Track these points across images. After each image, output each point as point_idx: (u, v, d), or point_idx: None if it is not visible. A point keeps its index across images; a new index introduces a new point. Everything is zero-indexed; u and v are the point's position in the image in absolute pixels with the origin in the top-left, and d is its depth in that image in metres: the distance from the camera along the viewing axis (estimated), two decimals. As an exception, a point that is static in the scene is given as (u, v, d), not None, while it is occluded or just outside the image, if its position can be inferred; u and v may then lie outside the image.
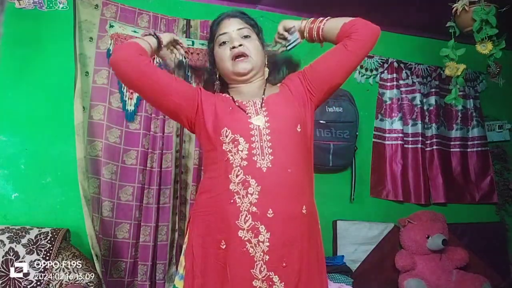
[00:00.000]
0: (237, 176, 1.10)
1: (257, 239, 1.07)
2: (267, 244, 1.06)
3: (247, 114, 1.18)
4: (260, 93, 1.28)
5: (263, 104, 1.21)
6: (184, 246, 1.23)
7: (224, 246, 1.09)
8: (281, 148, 1.12)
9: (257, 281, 1.05)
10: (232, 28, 1.27)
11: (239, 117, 1.18)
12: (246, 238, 1.07)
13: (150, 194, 2.40)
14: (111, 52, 2.41)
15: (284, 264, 1.07)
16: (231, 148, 1.12)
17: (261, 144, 1.11)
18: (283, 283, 1.06)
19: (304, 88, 1.27)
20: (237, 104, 1.23)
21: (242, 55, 1.23)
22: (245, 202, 1.08)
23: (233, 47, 1.23)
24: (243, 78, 1.27)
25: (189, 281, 1.15)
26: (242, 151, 1.11)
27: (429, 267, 2.71)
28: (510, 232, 3.27)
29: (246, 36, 1.27)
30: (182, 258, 1.24)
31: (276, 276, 1.06)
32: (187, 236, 1.23)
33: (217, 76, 1.34)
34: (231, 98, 1.26)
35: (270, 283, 1.06)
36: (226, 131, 1.14)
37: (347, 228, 2.77)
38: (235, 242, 1.08)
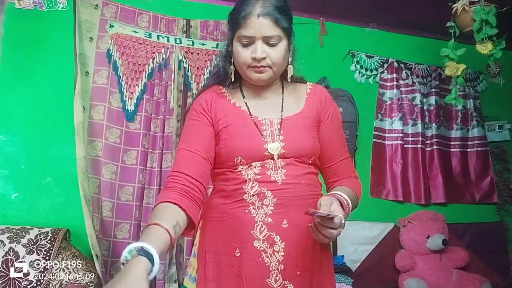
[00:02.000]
0: (251, 187, 1.09)
1: (272, 249, 1.07)
2: (282, 253, 1.07)
3: (263, 139, 1.11)
4: (277, 102, 1.19)
5: (281, 128, 1.13)
6: (195, 249, 1.23)
7: (239, 254, 1.09)
8: (294, 165, 1.12)
9: None
10: (260, 33, 1.07)
11: (255, 144, 1.11)
12: (261, 248, 1.07)
13: (150, 194, 2.40)
14: (111, 52, 2.41)
15: (298, 272, 1.08)
16: (245, 168, 1.11)
17: (275, 164, 1.11)
18: None
19: (318, 124, 1.21)
20: (253, 119, 1.14)
21: (262, 69, 1.11)
22: (260, 213, 1.08)
23: (255, 58, 1.09)
24: (257, 85, 1.18)
25: (201, 285, 1.15)
26: (255, 167, 1.10)
27: (429, 267, 2.71)
28: (510, 232, 3.27)
29: (273, 45, 1.09)
30: (193, 260, 1.24)
31: (291, 285, 1.07)
32: (197, 239, 1.23)
33: (233, 64, 1.18)
34: (246, 110, 1.16)
35: None
36: (241, 160, 1.11)
37: (347, 228, 2.71)
38: (250, 252, 1.08)
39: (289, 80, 1.20)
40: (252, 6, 1.08)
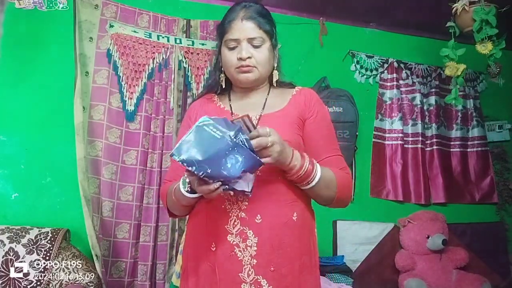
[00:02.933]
0: None
1: (245, 243, 1.09)
2: (255, 248, 1.08)
3: None
4: (260, 102, 1.23)
5: (258, 123, 1.16)
6: (181, 246, 1.25)
7: (214, 248, 1.11)
8: None
9: (245, 284, 1.08)
10: (244, 35, 1.17)
11: None
12: (234, 243, 1.09)
13: (150, 194, 2.40)
14: (111, 52, 2.41)
15: (272, 268, 1.09)
16: None
17: None
18: (271, 286, 1.08)
19: (302, 122, 1.22)
20: (233, 117, 1.18)
21: (248, 68, 1.18)
22: (235, 208, 1.10)
23: (240, 58, 1.16)
24: (245, 87, 1.25)
25: (185, 280, 1.19)
26: None
27: (429, 267, 2.71)
28: (510, 232, 3.27)
29: (257, 46, 1.18)
30: (179, 257, 1.26)
31: (265, 280, 1.08)
32: (184, 236, 1.25)
33: (223, 72, 1.26)
34: (229, 110, 1.23)
35: (259, 286, 1.08)
36: None
37: (347, 228, 2.77)
38: (224, 246, 1.10)
39: (275, 84, 1.25)
40: (236, 12, 1.19)
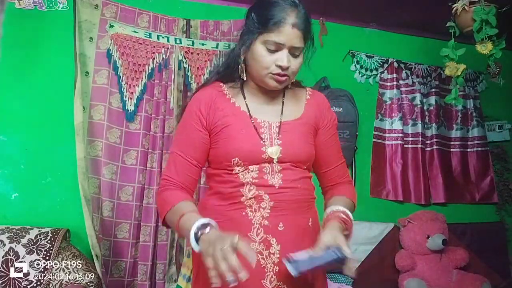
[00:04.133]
0: (249, 190, 1.10)
1: (268, 251, 1.09)
2: (278, 256, 1.09)
3: (262, 142, 1.12)
4: (278, 106, 1.19)
5: (280, 132, 1.14)
6: (189, 249, 1.24)
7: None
8: (290, 169, 1.14)
9: None
10: (290, 43, 1.08)
11: (253, 146, 1.11)
12: (257, 250, 1.09)
13: (150, 194, 2.40)
14: (111, 52, 2.41)
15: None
16: (242, 171, 1.11)
17: (272, 168, 1.12)
18: None
19: (316, 131, 1.22)
20: (252, 121, 1.14)
21: (284, 78, 1.12)
22: (257, 216, 1.10)
23: (280, 66, 1.09)
24: (267, 88, 1.17)
25: (199, 285, 1.16)
26: (252, 171, 1.11)
27: (429, 267, 2.71)
28: (510, 232, 3.27)
29: (296, 56, 1.11)
30: (187, 260, 1.25)
31: (285, 286, 1.09)
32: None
33: (243, 62, 1.17)
34: (246, 111, 1.16)
35: None
36: (238, 161, 1.11)
37: (347, 228, 2.77)
38: None
39: (289, 85, 1.21)
40: (286, 13, 1.07)
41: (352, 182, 1.28)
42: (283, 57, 1.08)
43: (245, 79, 1.18)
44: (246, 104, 1.18)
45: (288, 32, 1.07)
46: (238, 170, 1.12)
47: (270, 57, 1.09)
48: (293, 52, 1.10)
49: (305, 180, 1.17)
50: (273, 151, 1.12)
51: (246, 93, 1.20)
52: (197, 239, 0.94)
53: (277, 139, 1.13)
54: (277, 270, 1.08)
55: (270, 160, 1.11)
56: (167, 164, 1.19)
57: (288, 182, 1.12)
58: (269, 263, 1.09)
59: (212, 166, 1.18)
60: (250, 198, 1.10)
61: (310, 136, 1.19)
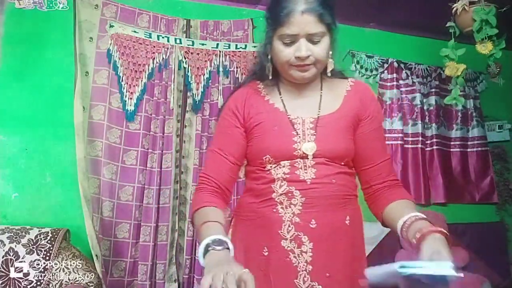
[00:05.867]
0: (280, 186, 1.08)
1: (300, 249, 1.05)
2: (310, 254, 1.05)
3: (295, 138, 1.09)
4: (315, 100, 1.14)
5: (315, 128, 1.09)
6: None
7: (267, 253, 1.07)
8: (325, 164, 1.08)
9: None
10: (304, 31, 1.02)
11: (284, 143, 1.08)
12: (289, 248, 1.05)
13: (150, 194, 2.40)
14: (111, 52, 2.41)
15: (327, 274, 1.04)
16: (274, 167, 1.09)
17: (305, 163, 1.08)
18: None
19: (357, 124, 1.14)
20: (286, 118, 1.11)
21: (306, 67, 1.06)
22: (288, 213, 1.06)
23: (299, 57, 1.04)
24: (298, 82, 1.13)
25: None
26: (284, 167, 1.08)
27: (429, 267, 2.71)
28: (510, 232, 3.27)
29: (317, 42, 1.04)
30: None
31: (320, 286, 1.04)
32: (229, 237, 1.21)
33: (270, 61, 1.13)
34: (280, 108, 1.13)
35: None
36: (269, 159, 1.09)
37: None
38: (278, 251, 1.06)
39: (329, 75, 1.14)
40: (294, 2, 1.03)
41: (401, 184, 1.13)
42: (300, 47, 1.03)
43: (270, 77, 1.15)
44: (282, 100, 1.15)
45: (298, 20, 1.02)
46: (271, 167, 1.09)
47: (288, 50, 1.05)
48: (311, 39, 1.03)
49: (343, 175, 1.10)
50: (308, 147, 1.07)
51: (281, 89, 1.17)
52: (205, 253, 0.89)
53: (312, 135, 1.09)
54: (310, 270, 1.04)
55: (304, 157, 1.07)
56: (205, 162, 1.17)
57: (321, 177, 1.06)
58: (301, 262, 1.04)
59: (248, 163, 1.17)
60: (281, 194, 1.07)
61: (348, 131, 1.11)
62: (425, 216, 0.96)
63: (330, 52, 1.11)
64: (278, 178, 1.08)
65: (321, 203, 1.06)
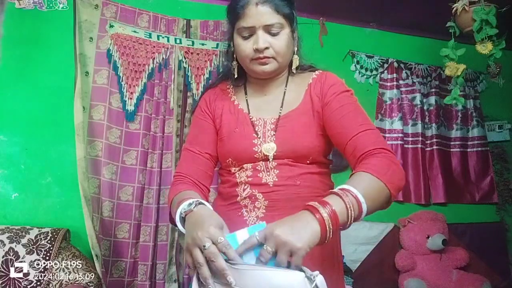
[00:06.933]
0: (244, 190, 1.08)
1: None
2: None
3: (255, 140, 1.07)
4: (278, 98, 1.12)
5: (276, 128, 1.07)
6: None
7: None
8: (288, 165, 1.06)
9: None
10: (259, 22, 1.01)
11: (244, 146, 1.07)
12: None
13: (150, 194, 2.40)
14: (111, 52, 2.41)
15: None
16: (237, 170, 1.09)
17: (267, 166, 1.07)
18: None
19: (320, 116, 1.08)
20: (250, 119, 1.10)
21: (265, 60, 1.05)
22: (252, 216, 1.06)
23: (257, 49, 1.03)
24: (262, 78, 1.12)
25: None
26: (247, 170, 1.08)
27: (429, 267, 2.71)
28: (510, 232, 3.27)
29: (275, 34, 1.03)
30: None
31: None
32: None
33: (236, 60, 1.12)
34: (243, 109, 1.12)
35: None
36: (231, 162, 1.09)
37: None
38: None
39: (294, 71, 1.13)
40: None
41: (388, 151, 0.95)
42: (256, 39, 1.03)
43: (235, 76, 1.14)
44: (246, 101, 1.14)
45: (253, 12, 1.02)
46: (235, 170, 1.10)
47: (247, 43, 1.05)
48: (269, 30, 1.03)
49: (309, 176, 1.07)
50: (268, 148, 1.06)
51: (248, 89, 1.17)
52: (184, 222, 0.88)
53: (272, 135, 1.07)
54: None
55: (265, 158, 1.06)
56: (179, 162, 1.16)
57: (284, 179, 1.05)
58: None
59: (220, 165, 1.17)
60: (245, 198, 1.07)
61: (312, 125, 1.07)
62: (340, 193, 0.83)
63: (296, 49, 1.11)
64: (241, 181, 1.08)
65: (285, 205, 1.03)
